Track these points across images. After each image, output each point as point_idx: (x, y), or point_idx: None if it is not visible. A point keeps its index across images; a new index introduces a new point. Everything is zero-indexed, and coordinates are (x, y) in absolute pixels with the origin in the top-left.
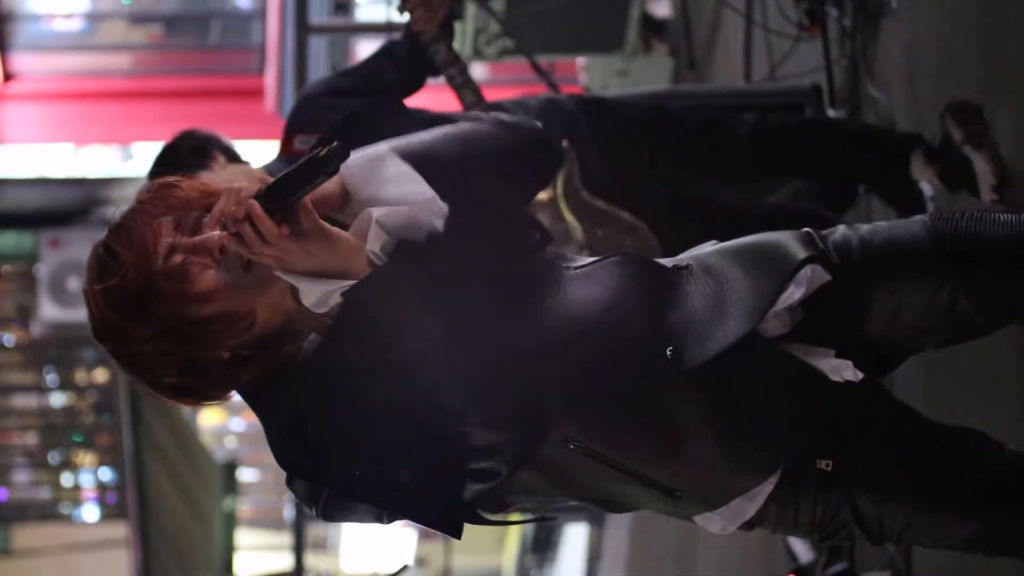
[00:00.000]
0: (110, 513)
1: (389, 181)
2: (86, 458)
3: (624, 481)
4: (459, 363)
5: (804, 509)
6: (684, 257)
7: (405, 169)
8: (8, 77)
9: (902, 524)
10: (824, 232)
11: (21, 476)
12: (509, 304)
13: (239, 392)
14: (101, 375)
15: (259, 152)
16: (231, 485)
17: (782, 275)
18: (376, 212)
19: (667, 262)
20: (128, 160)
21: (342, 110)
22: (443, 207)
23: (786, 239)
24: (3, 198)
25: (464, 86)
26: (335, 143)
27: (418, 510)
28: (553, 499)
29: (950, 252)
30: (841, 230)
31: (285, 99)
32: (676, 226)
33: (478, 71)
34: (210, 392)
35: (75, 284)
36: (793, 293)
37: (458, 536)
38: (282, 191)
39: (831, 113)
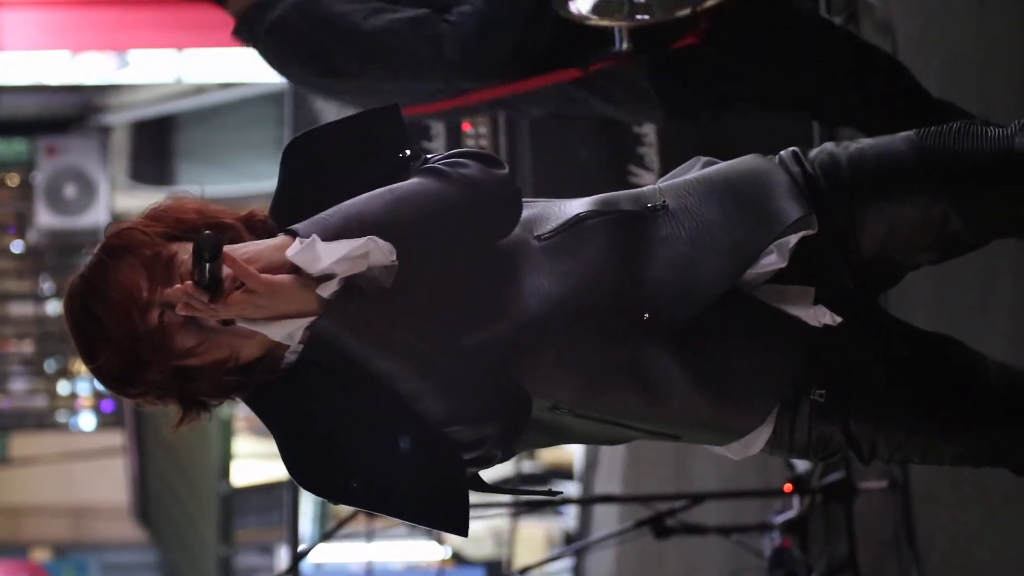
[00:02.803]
0: (107, 421)
1: (326, 255)
2: (83, 366)
3: (622, 429)
4: (431, 370)
5: (799, 434)
6: (664, 187)
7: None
8: None
9: (894, 446)
10: (812, 153)
11: (18, 384)
12: (477, 299)
13: (243, 400)
14: None
15: (256, 60)
16: None
17: (764, 235)
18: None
19: (642, 200)
20: (124, 67)
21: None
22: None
23: (774, 179)
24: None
25: None
26: (204, 233)
27: (419, 514)
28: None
29: (938, 168)
30: (828, 149)
31: None
32: None
33: None
34: (206, 411)
35: (72, 191)
36: (775, 263)
37: (464, 534)
38: (200, 270)
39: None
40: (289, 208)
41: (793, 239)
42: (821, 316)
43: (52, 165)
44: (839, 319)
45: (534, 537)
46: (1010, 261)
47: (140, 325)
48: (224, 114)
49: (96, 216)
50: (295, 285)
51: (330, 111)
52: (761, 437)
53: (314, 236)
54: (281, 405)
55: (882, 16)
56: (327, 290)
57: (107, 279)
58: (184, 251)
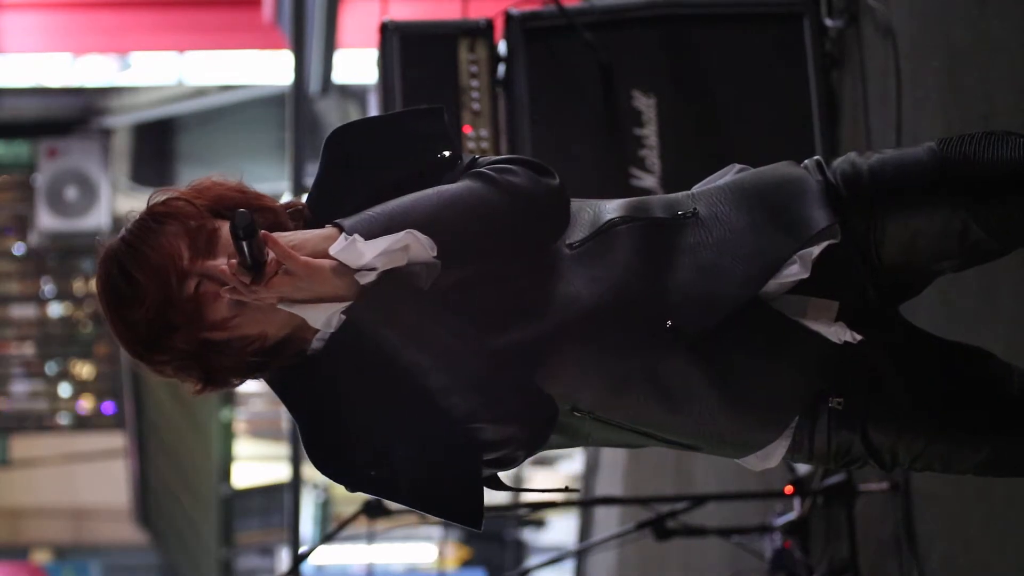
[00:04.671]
0: (108, 423)
1: (368, 252)
2: (84, 368)
3: (640, 436)
4: (461, 367)
5: (819, 441)
6: (697, 194)
7: (379, 239)
8: None
9: (914, 455)
10: (835, 163)
11: (19, 387)
12: (510, 302)
13: (264, 381)
14: None
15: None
16: (229, 395)
17: (789, 243)
18: (363, 244)
19: (673, 207)
20: (126, 69)
21: None
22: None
23: (804, 187)
24: (1, 107)
25: None
26: (239, 211)
27: (435, 506)
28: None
29: (958, 176)
30: (851, 158)
31: (283, 8)
32: None
33: None
34: (225, 387)
35: (73, 194)
36: (797, 274)
37: (478, 528)
38: (240, 250)
39: (828, 24)
40: (327, 198)
41: (816, 250)
42: (842, 334)
43: (53, 167)
44: (859, 337)
45: (549, 482)
46: (1011, 267)
47: (176, 291)
48: (225, 116)
49: (97, 218)
50: (335, 270)
51: (331, 113)
52: (779, 450)
53: (356, 236)
54: (304, 390)
55: (883, 18)
56: (366, 278)
57: (149, 242)
58: (226, 228)
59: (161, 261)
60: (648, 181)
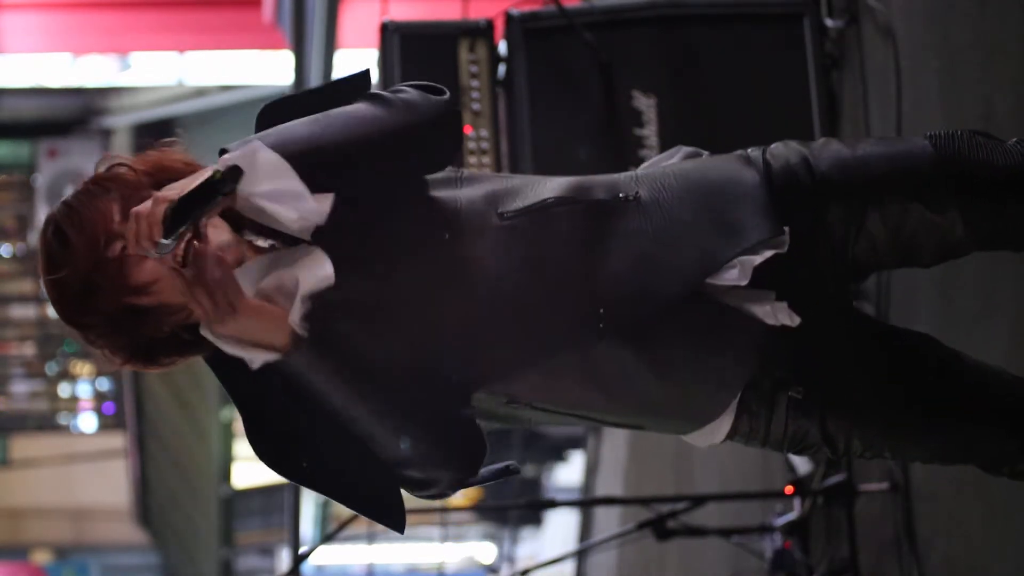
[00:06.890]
0: (108, 423)
1: (263, 175)
2: (84, 368)
3: (581, 420)
4: (387, 416)
5: (775, 428)
6: (641, 176)
7: (276, 161)
8: None
9: (867, 443)
10: (815, 148)
11: (19, 387)
12: (428, 281)
13: (204, 360)
14: None
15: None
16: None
17: (728, 248)
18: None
19: (615, 188)
20: (126, 69)
21: None
22: (319, 208)
23: (751, 191)
24: (1, 108)
25: None
26: (231, 166)
27: (362, 506)
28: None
29: (953, 174)
30: (835, 147)
31: (283, 8)
32: None
33: None
34: (157, 365)
35: None
36: (736, 279)
37: (400, 531)
38: (186, 211)
39: (828, 24)
40: None
41: (758, 259)
42: (779, 313)
43: (53, 167)
44: (797, 320)
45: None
46: (1012, 265)
47: (103, 251)
48: (225, 116)
49: None
50: (270, 318)
51: None
52: (723, 427)
53: (257, 143)
54: (244, 378)
55: (883, 18)
56: (295, 313)
57: (87, 204)
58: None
59: (92, 221)
60: None
